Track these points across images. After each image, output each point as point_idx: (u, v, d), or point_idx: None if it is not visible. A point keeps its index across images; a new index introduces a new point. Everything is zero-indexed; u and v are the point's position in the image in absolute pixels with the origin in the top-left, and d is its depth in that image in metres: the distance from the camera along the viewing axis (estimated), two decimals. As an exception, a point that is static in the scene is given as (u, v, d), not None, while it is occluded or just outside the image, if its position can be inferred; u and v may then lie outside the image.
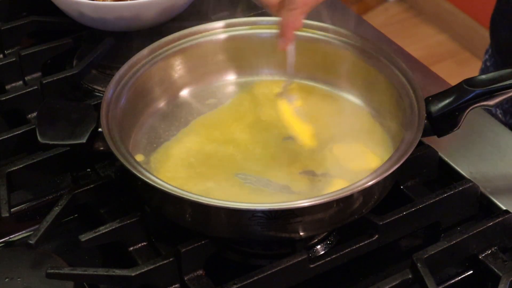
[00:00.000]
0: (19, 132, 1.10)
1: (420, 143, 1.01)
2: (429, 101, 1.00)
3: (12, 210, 1.01)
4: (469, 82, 0.99)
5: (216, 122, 1.09)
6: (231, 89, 1.14)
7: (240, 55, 1.14)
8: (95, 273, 0.91)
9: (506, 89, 0.97)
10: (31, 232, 0.97)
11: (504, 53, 1.37)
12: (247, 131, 1.07)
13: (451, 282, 0.97)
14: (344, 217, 0.94)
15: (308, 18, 1.12)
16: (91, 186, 1.02)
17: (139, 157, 1.03)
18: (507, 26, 1.35)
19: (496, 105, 0.99)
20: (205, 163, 1.02)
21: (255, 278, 0.91)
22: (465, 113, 0.99)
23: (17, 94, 1.18)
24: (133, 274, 0.91)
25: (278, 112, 1.07)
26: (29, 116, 1.18)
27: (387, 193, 0.98)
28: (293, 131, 1.05)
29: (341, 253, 0.95)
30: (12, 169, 1.03)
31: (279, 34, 1.03)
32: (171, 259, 0.93)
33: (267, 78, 1.14)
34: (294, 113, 1.07)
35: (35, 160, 1.05)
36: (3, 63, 1.24)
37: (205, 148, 1.04)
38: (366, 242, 0.96)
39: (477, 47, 2.82)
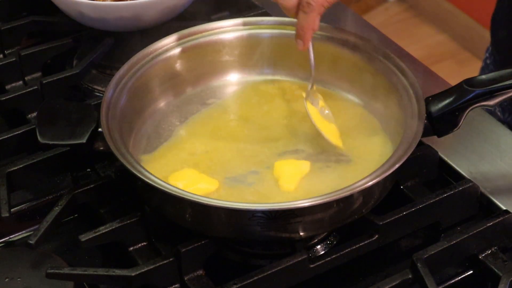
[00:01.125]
0: (19, 132, 1.10)
1: (420, 143, 1.00)
2: (429, 101, 1.00)
3: (12, 210, 1.01)
4: (469, 82, 0.99)
5: (216, 121, 1.09)
6: (231, 89, 1.14)
7: (240, 55, 1.14)
8: (95, 273, 0.91)
9: (506, 89, 0.97)
10: (31, 232, 0.97)
11: (503, 52, 1.38)
12: (247, 130, 1.07)
13: (451, 282, 0.97)
14: (344, 217, 0.94)
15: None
16: (91, 186, 1.02)
17: (145, 157, 1.03)
18: (507, 25, 1.35)
19: (496, 105, 0.98)
20: (205, 161, 1.02)
21: (255, 278, 0.91)
22: (465, 113, 0.99)
23: (17, 94, 1.18)
24: (133, 274, 0.91)
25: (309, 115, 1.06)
26: (29, 116, 1.18)
27: (387, 193, 0.98)
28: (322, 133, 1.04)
29: (341, 253, 0.95)
30: (12, 169, 1.03)
31: (296, 36, 1.04)
32: (171, 259, 0.93)
33: (267, 78, 1.14)
34: (320, 116, 1.07)
35: (35, 160, 1.05)
36: (3, 63, 1.24)
37: (205, 147, 1.04)
38: (366, 242, 0.96)
39: (477, 47, 2.82)
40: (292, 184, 0.98)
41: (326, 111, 1.07)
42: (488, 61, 1.43)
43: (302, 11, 1.01)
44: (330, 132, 1.04)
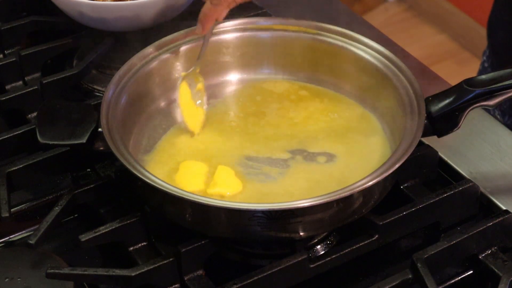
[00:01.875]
0: (19, 132, 1.10)
1: (420, 143, 1.01)
2: (429, 101, 1.00)
3: (12, 210, 1.01)
4: (469, 82, 0.99)
5: (216, 120, 1.09)
6: (231, 88, 1.14)
7: (240, 55, 1.14)
8: (95, 273, 0.91)
9: (506, 89, 0.97)
10: (31, 232, 0.97)
11: (500, 54, 1.37)
12: (248, 129, 1.07)
13: (451, 282, 0.97)
14: (344, 217, 0.94)
15: (308, 18, 1.12)
16: (91, 186, 1.02)
17: (145, 157, 1.03)
18: (504, 27, 1.35)
19: (496, 105, 0.98)
20: (206, 161, 1.02)
21: (255, 278, 0.91)
22: (465, 113, 0.99)
23: (17, 94, 1.18)
24: (133, 274, 0.91)
25: (179, 95, 1.07)
26: (29, 116, 1.18)
27: (387, 193, 0.98)
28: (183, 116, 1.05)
29: (341, 253, 0.95)
30: (12, 169, 1.03)
31: (198, 19, 1.05)
32: (171, 259, 0.93)
33: (268, 78, 1.14)
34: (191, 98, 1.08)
35: (35, 160, 1.05)
36: (3, 63, 1.24)
37: (206, 146, 1.04)
38: (366, 242, 0.96)
39: (477, 47, 2.82)
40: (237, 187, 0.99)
41: (203, 98, 1.08)
42: (486, 64, 1.43)
43: (209, 1, 1.03)
44: (193, 115, 1.05)
